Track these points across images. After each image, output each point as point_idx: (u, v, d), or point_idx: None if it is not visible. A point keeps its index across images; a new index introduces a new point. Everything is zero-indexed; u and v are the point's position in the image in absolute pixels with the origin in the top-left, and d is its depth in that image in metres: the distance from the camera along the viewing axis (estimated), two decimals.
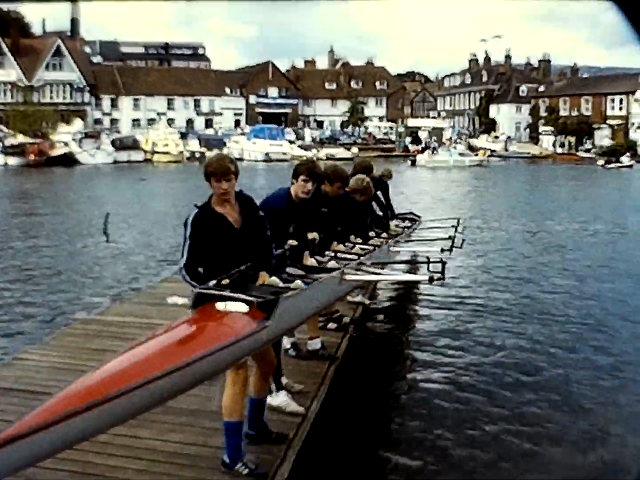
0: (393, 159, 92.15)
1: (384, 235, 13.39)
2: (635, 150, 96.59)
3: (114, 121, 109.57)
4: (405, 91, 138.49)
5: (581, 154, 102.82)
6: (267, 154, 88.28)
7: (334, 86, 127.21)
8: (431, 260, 8.18)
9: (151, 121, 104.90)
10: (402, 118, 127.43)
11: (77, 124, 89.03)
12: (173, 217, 34.22)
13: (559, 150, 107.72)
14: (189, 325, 5.61)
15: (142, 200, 44.07)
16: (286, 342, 9.44)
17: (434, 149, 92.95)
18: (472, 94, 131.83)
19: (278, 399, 8.13)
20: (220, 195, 6.71)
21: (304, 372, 9.40)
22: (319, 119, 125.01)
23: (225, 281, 6.23)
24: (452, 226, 16.34)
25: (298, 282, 6.90)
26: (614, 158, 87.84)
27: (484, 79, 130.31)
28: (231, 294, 5.86)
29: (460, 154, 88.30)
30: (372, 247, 11.39)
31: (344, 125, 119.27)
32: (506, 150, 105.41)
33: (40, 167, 70.90)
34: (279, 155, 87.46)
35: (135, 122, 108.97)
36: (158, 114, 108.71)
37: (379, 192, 14.82)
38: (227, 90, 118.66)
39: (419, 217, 19.17)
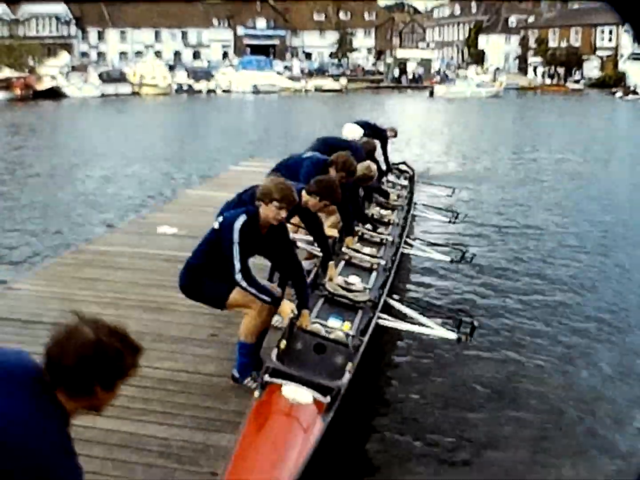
0: (382, 91, 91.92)
1: (388, 215, 13.37)
2: (624, 81, 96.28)
3: (100, 54, 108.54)
4: (394, 22, 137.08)
5: (570, 85, 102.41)
6: (255, 86, 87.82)
7: (322, 17, 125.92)
8: (462, 319, 8.15)
9: (138, 54, 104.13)
10: (390, 49, 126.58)
11: (64, 58, 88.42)
12: (160, 150, 34.22)
13: (548, 81, 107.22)
14: (266, 426, 5.61)
15: (130, 133, 43.85)
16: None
17: (451, 80, 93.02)
18: (461, 25, 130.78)
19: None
20: (273, 221, 6.87)
21: None
22: (307, 50, 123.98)
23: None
24: (450, 216, 15.55)
25: (339, 333, 7.13)
26: (634, 88, 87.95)
27: (473, 10, 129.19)
28: (297, 374, 6.03)
29: (477, 85, 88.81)
30: (379, 240, 11.52)
31: (332, 56, 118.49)
32: (494, 81, 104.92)
33: (27, 101, 70.45)
34: (268, 87, 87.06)
35: (123, 55, 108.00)
36: (145, 46, 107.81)
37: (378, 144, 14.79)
38: (215, 21, 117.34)
39: (412, 169, 19.08)
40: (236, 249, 6.63)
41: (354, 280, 9.01)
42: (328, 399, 5.70)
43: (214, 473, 5.68)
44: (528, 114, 62.16)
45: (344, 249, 10.12)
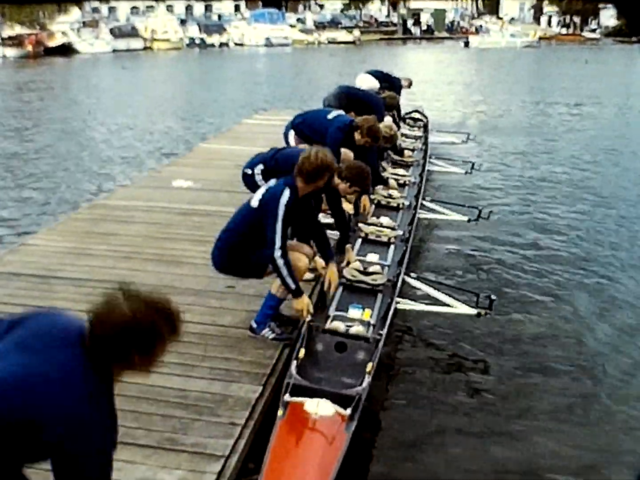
0: (395, 42, 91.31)
1: (403, 176, 13.31)
2: None
3: (112, 9, 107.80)
4: None
5: (586, 34, 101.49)
6: (268, 39, 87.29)
7: None
8: (479, 294, 8.09)
9: (150, 8, 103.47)
10: (404, 0, 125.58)
11: (75, 14, 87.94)
12: (173, 104, 34.11)
13: (564, 31, 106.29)
14: (291, 445, 5.56)
15: (142, 88, 43.74)
16: None
17: (487, 29, 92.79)
18: None
19: None
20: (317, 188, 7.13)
21: None
22: (320, 2, 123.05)
23: None
24: (467, 168, 15.57)
25: (359, 328, 7.09)
26: None
27: None
28: (317, 387, 6.00)
29: (512, 35, 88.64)
30: (396, 205, 11.61)
31: (345, 8, 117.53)
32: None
33: (39, 57, 70.18)
34: (280, 39, 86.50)
35: (134, 10, 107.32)
36: (156, 0, 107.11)
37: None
38: None
39: (425, 117, 18.96)
40: (279, 226, 6.60)
41: (372, 258, 9.06)
42: (349, 411, 5.65)
43: (233, 423, 5.71)
44: (547, 64, 61.47)
45: (360, 225, 10.09)
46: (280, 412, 5.68)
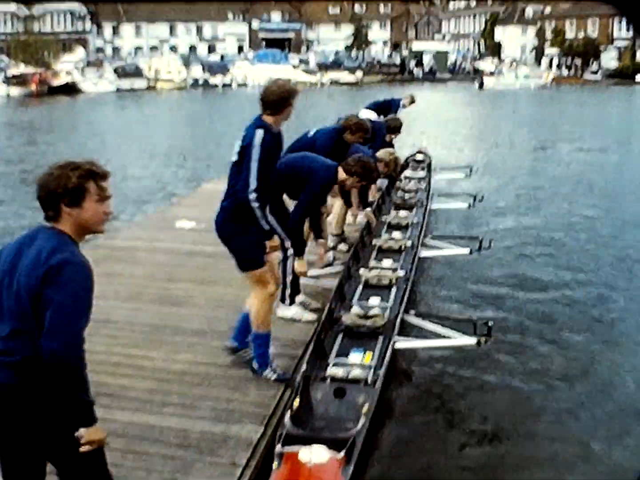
0: (398, 83, 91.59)
1: (406, 218, 13.41)
2: None
3: (116, 49, 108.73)
4: (409, 14, 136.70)
5: (587, 76, 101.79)
6: (270, 79, 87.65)
7: (337, 10, 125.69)
8: (477, 323, 8.11)
9: (153, 48, 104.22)
10: (406, 41, 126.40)
11: (79, 53, 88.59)
12: (176, 144, 34.25)
13: (565, 72, 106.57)
14: None
15: (146, 128, 43.91)
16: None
17: (500, 72, 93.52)
18: (477, 16, 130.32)
19: (291, 311, 8.65)
20: (288, 117, 6.97)
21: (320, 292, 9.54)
22: (322, 43, 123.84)
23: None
24: (470, 200, 15.62)
25: (356, 371, 7.07)
26: None
27: (489, 1, 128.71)
28: (310, 435, 5.96)
29: (525, 77, 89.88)
30: (398, 247, 11.59)
31: (348, 49, 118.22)
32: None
33: (43, 96, 70.56)
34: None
35: (138, 50, 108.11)
36: (160, 41, 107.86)
37: None
38: (230, 15, 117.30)
39: (429, 157, 19.04)
40: (255, 166, 6.61)
41: (373, 302, 9.09)
42: (343, 453, 5.59)
43: (234, 464, 5.71)
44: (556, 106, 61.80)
45: (361, 271, 10.13)
46: (275, 464, 5.62)
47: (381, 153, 11.75)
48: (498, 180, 22.92)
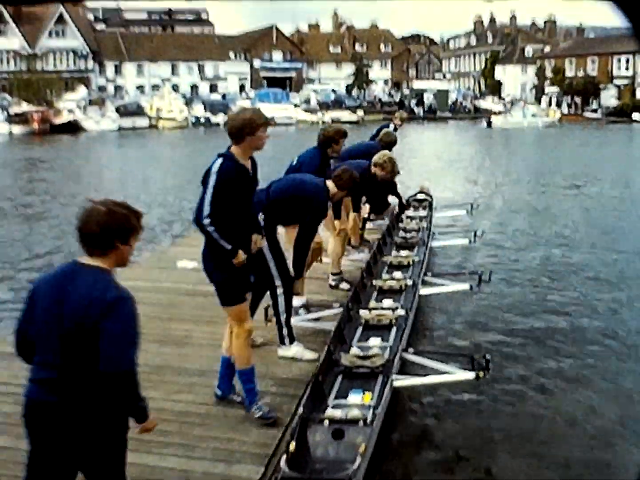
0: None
1: (407, 257, 13.47)
2: None
3: (118, 88, 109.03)
4: (410, 53, 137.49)
5: (587, 114, 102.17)
6: (272, 118, 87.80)
7: (338, 49, 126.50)
8: (475, 357, 8.14)
9: (155, 87, 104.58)
10: (407, 80, 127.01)
11: (81, 91, 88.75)
12: (178, 183, 34.32)
13: (565, 111, 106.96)
14: None
15: (147, 166, 44.02)
16: (297, 303, 9.59)
17: (508, 110, 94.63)
18: (477, 55, 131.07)
19: (292, 350, 8.70)
20: (260, 146, 7.07)
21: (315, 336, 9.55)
22: (323, 82, 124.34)
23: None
24: (471, 236, 15.71)
25: (357, 411, 7.04)
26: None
27: (489, 40, 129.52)
28: (312, 477, 6.07)
29: (533, 115, 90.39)
30: (399, 287, 11.57)
31: (349, 88, 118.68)
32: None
33: (45, 135, 70.73)
34: (284, 119, 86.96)
35: (140, 88, 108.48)
36: (162, 79, 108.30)
37: None
38: (231, 54, 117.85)
39: (430, 196, 19.14)
40: (209, 193, 6.77)
41: (373, 342, 9.10)
42: None
43: None
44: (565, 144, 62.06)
45: (361, 312, 10.12)
46: None
47: (376, 157, 11.91)
48: (499, 217, 23.09)
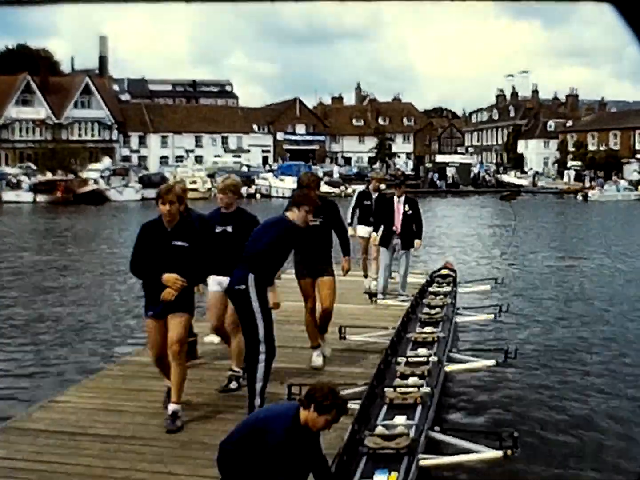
0: (421, 195, 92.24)
1: (431, 333, 13.23)
2: None
3: (142, 158, 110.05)
4: (432, 127, 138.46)
5: None
6: (294, 191, 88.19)
7: (361, 123, 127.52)
8: (502, 435, 7.96)
9: (179, 158, 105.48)
10: (429, 154, 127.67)
11: (106, 161, 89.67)
12: None
13: (588, 184, 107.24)
14: None
15: None
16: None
17: (601, 184, 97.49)
18: (499, 129, 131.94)
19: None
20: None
21: None
22: (346, 155, 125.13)
23: None
24: (495, 312, 15.39)
25: None
26: None
27: (512, 114, 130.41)
28: None
29: (625, 189, 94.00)
30: (425, 361, 11.26)
31: (371, 161, 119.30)
32: (534, 185, 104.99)
33: (69, 204, 71.20)
34: None
35: (163, 160, 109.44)
36: (186, 151, 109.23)
37: None
38: (255, 127, 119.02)
39: (454, 271, 18.97)
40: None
41: (398, 421, 8.79)
42: None
43: None
44: None
45: (386, 390, 9.83)
46: None
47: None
48: (526, 292, 22.87)
